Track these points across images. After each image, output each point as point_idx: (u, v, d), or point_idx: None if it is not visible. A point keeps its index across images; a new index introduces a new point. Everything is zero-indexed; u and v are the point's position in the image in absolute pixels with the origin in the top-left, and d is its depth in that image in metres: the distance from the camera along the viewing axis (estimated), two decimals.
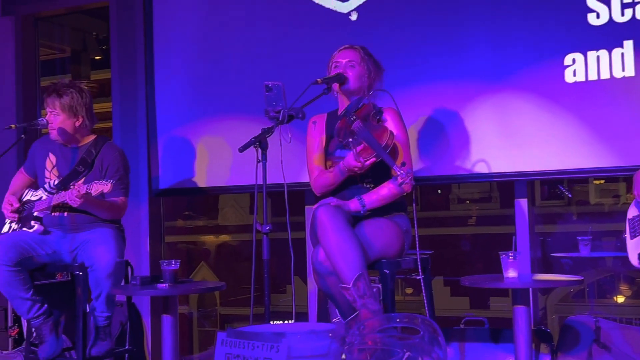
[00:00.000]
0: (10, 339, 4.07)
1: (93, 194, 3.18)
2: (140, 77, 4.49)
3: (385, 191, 2.98)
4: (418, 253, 2.94)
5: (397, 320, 2.23)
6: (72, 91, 3.49)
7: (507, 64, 3.57)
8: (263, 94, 2.85)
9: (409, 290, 5.22)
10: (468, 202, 5.20)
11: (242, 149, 2.73)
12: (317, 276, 2.94)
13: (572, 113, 3.46)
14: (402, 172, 2.69)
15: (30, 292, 3.35)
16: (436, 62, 3.70)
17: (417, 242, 2.92)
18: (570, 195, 4.41)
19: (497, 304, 4.80)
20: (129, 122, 4.54)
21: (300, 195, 4.06)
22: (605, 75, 3.39)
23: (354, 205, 2.95)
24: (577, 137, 3.45)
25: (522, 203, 3.68)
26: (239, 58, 4.15)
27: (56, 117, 3.48)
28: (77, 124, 3.51)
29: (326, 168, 3.16)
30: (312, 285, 4.01)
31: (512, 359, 3.16)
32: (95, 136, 3.62)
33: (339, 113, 3.18)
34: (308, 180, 3.25)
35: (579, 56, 3.43)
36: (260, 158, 2.77)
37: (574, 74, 3.44)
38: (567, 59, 3.46)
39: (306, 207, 4.08)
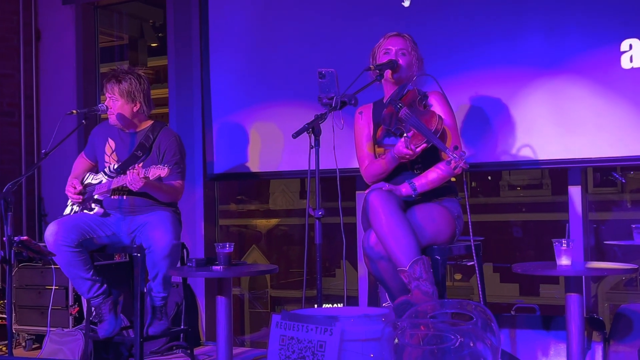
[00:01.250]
0: (70, 317, 4.18)
1: (151, 178, 3.26)
2: (195, 63, 4.55)
3: (435, 175, 2.98)
4: (472, 239, 2.93)
5: (450, 305, 2.25)
6: (130, 77, 3.57)
7: (561, 49, 3.53)
8: (316, 80, 2.88)
9: (458, 276, 5.21)
10: (519, 188, 5.15)
11: (296, 134, 2.77)
12: (368, 260, 2.96)
13: (628, 99, 3.40)
14: (455, 155, 2.69)
15: (91, 273, 3.44)
16: (488, 48, 3.67)
17: (470, 229, 2.91)
18: (624, 181, 4.33)
19: (547, 291, 4.75)
20: (184, 108, 4.62)
21: (351, 181, 4.08)
22: None
23: (405, 189, 2.96)
24: (632, 124, 3.39)
25: (576, 190, 3.65)
26: (293, 45, 4.17)
27: (115, 102, 3.57)
28: (135, 109, 3.59)
29: (376, 156, 3.17)
30: (362, 270, 4.05)
31: (564, 346, 3.15)
32: (153, 121, 3.69)
33: (384, 101, 3.19)
34: (359, 166, 3.27)
35: (635, 42, 3.37)
36: (313, 144, 2.80)
37: (631, 60, 3.39)
38: (624, 45, 3.40)
39: (357, 192, 4.10)
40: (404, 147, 2.89)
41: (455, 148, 2.72)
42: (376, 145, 3.17)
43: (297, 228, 5.48)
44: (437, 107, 3.06)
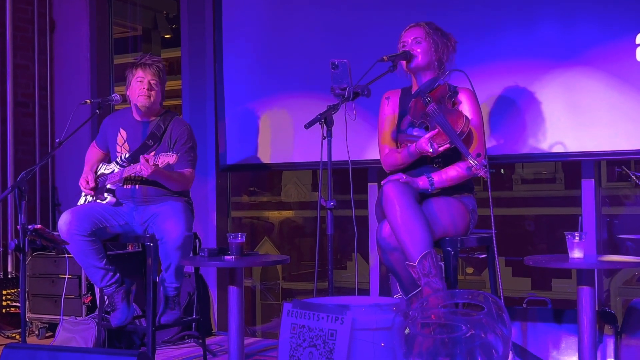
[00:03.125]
0: (83, 306, 4.22)
1: (160, 165, 3.27)
2: (209, 55, 4.56)
3: (454, 173, 2.96)
4: (494, 232, 2.92)
5: (462, 296, 2.25)
6: (161, 63, 3.63)
7: (576, 42, 3.51)
8: (329, 71, 2.88)
9: (470, 270, 5.20)
10: (532, 182, 5.13)
11: (308, 125, 2.76)
12: (381, 251, 2.95)
13: None
14: (476, 163, 2.68)
15: (104, 262, 3.46)
16: (503, 40, 3.65)
17: (492, 221, 2.88)
18: (637, 179, 4.31)
19: (559, 285, 4.74)
20: (197, 99, 4.63)
21: (363, 173, 4.08)
22: None
23: (422, 182, 2.95)
24: None
25: (589, 183, 3.63)
26: (307, 35, 4.16)
27: (156, 86, 3.58)
28: (161, 98, 3.64)
29: (397, 145, 3.15)
30: (373, 262, 4.05)
31: (575, 339, 3.14)
32: (164, 111, 3.71)
33: (412, 91, 3.17)
34: (372, 158, 3.26)
35: None
36: (325, 135, 2.79)
37: None
38: (639, 38, 3.38)
39: (369, 184, 4.10)
40: (427, 144, 2.87)
41: (478, 155, 2.70)
42: (399, 133, 3.14)
43: (309, 220, 5.49)
44: (465, 105, 3.02)
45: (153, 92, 3.57)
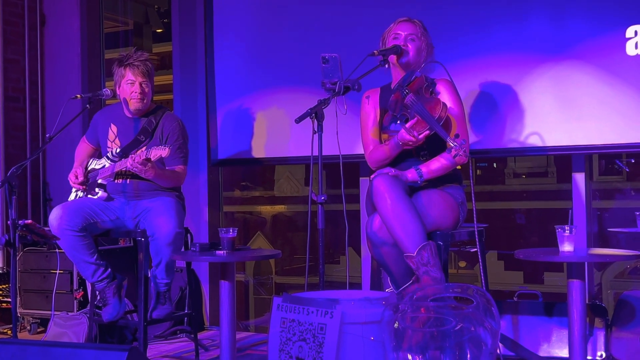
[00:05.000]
0: (75, 302, 4.21)
1: (152, 159, 3.26)
2: (200, 49, 4.55)
3: (440, 163, 2.99)
4: (475, 225, 2.94)
5: (451, 289, 2.25)
6: (150, 61, 3.61)
7: (566, 36, 3.52)
8: (320, 65, 2.88)
9: (462, 264, 5.22)
10: (524, 176, 5.14)
11: (299, 119, 2.76)
12: (371, 245, 2.96)
13: (633, 86, 3.39)
14: (455, 144, 2.69)
15: (95, 257, 3.44)
16: (494, 34, 3.66)
17: (474, 215, 2.91)
18: (627, 170, 4.32)
19: (551, 278, 4.76)
20: (189, 94, 4.63)
21: (355, 167, 4.08)
22: None
23: (411, 175, 2.97)
24: (637, 111, 3.38)
25: (580, 177, 3.64)
26: (298, 30, 4.16)
27: (147, 87, 3.57)
28: (152, 94, 3.63)
29: (381, 142, 3.17)
30: (365, 256, 4.06)
31: (566, 332, 3.16)
32: (156, 106, 3.70)
33: (392, 86, 3.18)
34: (363, 152, 3.27)
35: None
36: (316, 129, 2.79)
37: (636, 47, 3.37)
38: (629, 31, 3.39)
39: (361, 178, 4.10)
40: (406, 133, 2.90)
41: (457, 136, 2.72)
42: (382, 131, 3.17)
43: (302, 215, 5.49)
44: (445, 96, 3.04)
45: (146, 94, 3.56)
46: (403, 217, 2.78)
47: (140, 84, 3.54)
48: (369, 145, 3.21)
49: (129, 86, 3.55)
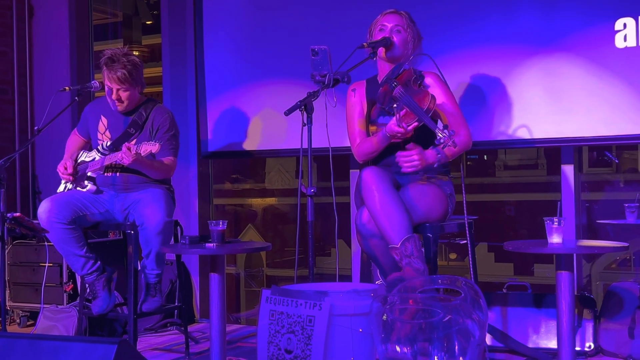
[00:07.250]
0: (65, 294, 4.20)
1: (142, 154, 3.26)
2: (190, 41, 4.54)
3: (450, 151, 2.95)
4: (466, 217, 2.95)
5: (439, 281, 2.26)
6: (132, 61, 3.51)
7: (556, 28, 3.52)
8: (309, 58, 2.87)
9: (453, 256, 5.23)
10: (514, 169, 5.15)
11: (288, 112, 2.76)
12: (360, 238, 2.97)
13: (622, 78, 3.40)
14: (444, 134, 2.69)
15: (84, 250, 3.44)
16: (484, 27, 3.66)
17: (464, 207, 2.92)
18: (617, 161, 4.33)
19: (541, 270, 4.78)
20: (178, 86, 4.61)
21: (345, 160, 4.08)
22: None
23: (431, 156, 2.91)
24: (626, 103, 3.39)
25: (569, 169, 3.65)
26: (288, 22, 4.15)
27: (125, 92, 3.52)
28: (138, 91, 3.60)
29: (369, 135, 3.16)
30: (355, 249, 4.06)
31: (554, 323, 3.17)
32: (146, 99, 3.69)
33: (379, 79, 3.18)
34: (350, 144, 3.27)
35: (630, 21, 3.37)
36: (305, 121, 2.79)
37: (625, 39, 3.38)
38: (618, 24, 3.39)
39: (351, 171, 4.10)
40: (395, 125, 2.89)
41: (445, 127, 2.72)
42: (370, 124, 3.16)
43: (293, 207, 5.49)
44: (434, 89, 3.04)
45: (123, 100, 3.53)
46: (389, 210, 2.79)
47: (117, 91, 3.52)
48: (356, 138, 3.20)
49: (108, 89, 3.54)
